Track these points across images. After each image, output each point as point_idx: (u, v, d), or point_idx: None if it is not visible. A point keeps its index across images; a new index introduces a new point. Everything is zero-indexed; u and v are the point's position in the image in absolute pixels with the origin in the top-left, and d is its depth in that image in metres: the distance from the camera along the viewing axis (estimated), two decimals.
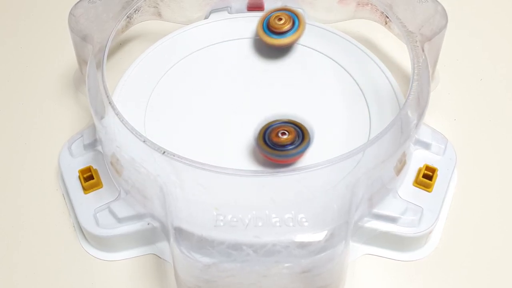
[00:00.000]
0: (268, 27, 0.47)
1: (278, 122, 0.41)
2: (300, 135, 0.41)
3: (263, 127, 0.41)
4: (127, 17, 0.47)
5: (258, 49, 0.49)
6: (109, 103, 0.39)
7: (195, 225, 0.35)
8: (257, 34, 0.48)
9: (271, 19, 0.47)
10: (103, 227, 0.40)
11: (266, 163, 0.42)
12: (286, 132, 0.40)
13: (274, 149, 0.40)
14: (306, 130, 0.41)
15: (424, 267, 0.41)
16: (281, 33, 0.47)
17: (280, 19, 0.47)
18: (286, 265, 0.35)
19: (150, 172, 0.37)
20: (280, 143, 0.40)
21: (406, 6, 0.45)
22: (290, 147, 0.40)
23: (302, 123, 0.41)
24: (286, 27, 0.47)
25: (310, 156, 0.42)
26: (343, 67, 0.48)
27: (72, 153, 0.43)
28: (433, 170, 0.42)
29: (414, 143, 0.42)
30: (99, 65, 0.42)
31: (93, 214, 0.40)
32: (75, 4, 0.45)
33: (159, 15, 0.51)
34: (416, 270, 0.41)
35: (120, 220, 0.40)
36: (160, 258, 0.41)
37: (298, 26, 0.47)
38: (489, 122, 0.48)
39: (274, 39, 0.47)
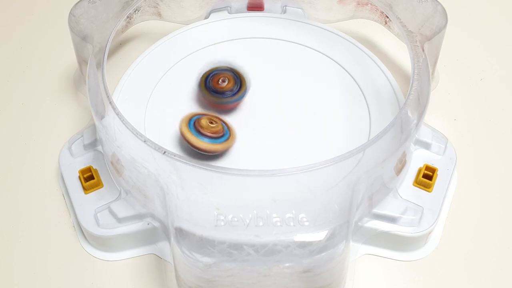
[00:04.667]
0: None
1: (218, 69, 0.44)
2: (238, 83, 0.44)
3: (204, 73, 0.44)
4: (127, 17, 0.47)
5: (258, 49, 0.49)
6: (110, 103, 0.39)
7: (196, 225, 0.35)
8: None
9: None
10: (103, 227, 0.40)
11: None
12: (226, 80, 0.44)
13: (215, 96, 0.44)
14: (244, 79, 0.44)
15: (424, 267, 0.41)
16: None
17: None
18: (287, 264, 0.35)
19: (151, 172, 0.37)
20: (220, 89, 0.44)
21: (406, 6, 0.45)
22: (229, 93, 0.44)
23: (240, 71, 0.44)
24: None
25: (311, 155, 0.42)
26: (343, 67, 0.48)
27: (72, 153, 0.43)
28: (433, 170, 0.42)
29: (414, 143, 0.42)
30: (99, 65, 0.42)
31: (93, 214, 0.40)
32: (75, 4, 0.45)
33: (159, 15, 0.51)
34: (416, 270, 0.41)
35: (120, 220, 0.40)
36: (161, 258, 0.41)
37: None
38: (489, 122, 0.48)
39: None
